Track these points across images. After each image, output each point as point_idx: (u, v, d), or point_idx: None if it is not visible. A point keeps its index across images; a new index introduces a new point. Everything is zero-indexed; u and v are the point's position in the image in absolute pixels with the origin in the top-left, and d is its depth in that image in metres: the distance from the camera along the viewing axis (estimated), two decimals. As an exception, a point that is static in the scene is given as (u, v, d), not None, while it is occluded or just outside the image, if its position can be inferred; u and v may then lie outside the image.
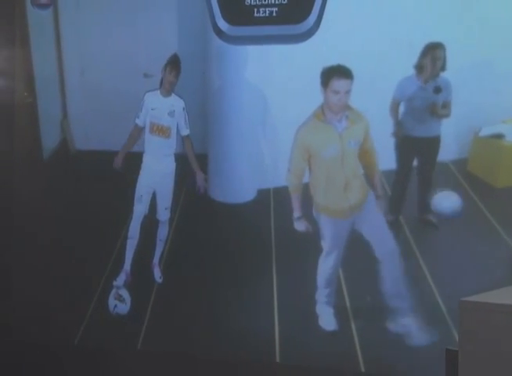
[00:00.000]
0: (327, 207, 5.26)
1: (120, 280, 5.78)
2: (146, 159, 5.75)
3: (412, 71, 4.95)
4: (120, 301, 5.80)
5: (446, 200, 4.98)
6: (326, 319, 5.23)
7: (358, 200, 5.19)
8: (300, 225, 5.29)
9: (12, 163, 6.01)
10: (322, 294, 5.25)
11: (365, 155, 5.12)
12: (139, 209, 5.76)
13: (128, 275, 5.78)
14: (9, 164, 6.00)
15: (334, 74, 5.10)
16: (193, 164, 5.59)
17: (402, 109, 5.02)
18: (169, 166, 5.71)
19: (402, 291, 5.05)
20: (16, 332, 5.91)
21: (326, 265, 5.26)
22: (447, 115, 4.91)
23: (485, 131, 4.83)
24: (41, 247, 5.99)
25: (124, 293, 5.79)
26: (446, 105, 4.92)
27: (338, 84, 5.11)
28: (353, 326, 5.17)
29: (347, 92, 5.10)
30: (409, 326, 5.02)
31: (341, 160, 5.19)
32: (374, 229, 5.20)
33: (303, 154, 5.24)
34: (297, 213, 5.27)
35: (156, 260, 5.69)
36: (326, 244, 5.26)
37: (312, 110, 5.24)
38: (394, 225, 5.10)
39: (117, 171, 5.76)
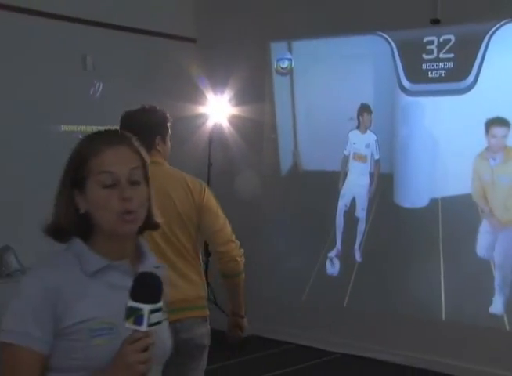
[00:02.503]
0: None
1: (333, 253, 5.72)
2: (349, 176, 5.67)
3: None
4: (332, 267, 5.73)
5: None
6: (479, 289, 5.03)
7: (504, 218, 4.96)
8: (491, 221, 5.04)
9: (261, 178, 6.04)
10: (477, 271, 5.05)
11: None
12: (341, 204, 5.68)
13: (339, 250, 5.69)
14: (259, 179, 6.01)
15: (493, 122, 4.93)
16: (375, 178, 5.53)
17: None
18: (365, 181, 5.62)
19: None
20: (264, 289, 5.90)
21: (479, 254, 5.04)
22: None
23: None
24: (281, 234, 5.94)
25: (336, 262, 5.71)
26: None
27: (496, 130, 4.93)
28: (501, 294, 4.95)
29: (504, 137, 4.90)
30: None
31: (492, 186, 5.00)
32: (502, 244, 4.98)
33: (475, 179, 5.08)
34: (485, 211, 5.05)
35: (356, 246, 5.59)
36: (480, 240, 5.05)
37: (470, 143, 5.05)
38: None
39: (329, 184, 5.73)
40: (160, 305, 1.49)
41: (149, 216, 1.67)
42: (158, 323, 1.49)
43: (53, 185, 5.57)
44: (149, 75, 5.65)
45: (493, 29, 4.91)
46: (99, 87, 5.55)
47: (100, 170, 1.59)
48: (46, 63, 5.23)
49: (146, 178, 1.65)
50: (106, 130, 1.70)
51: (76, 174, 1.61)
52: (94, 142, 1.63)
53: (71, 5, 5.33)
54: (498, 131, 4.93)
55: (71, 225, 1.62)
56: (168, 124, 2.87)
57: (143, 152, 1.67)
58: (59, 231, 1.64)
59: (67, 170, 1.64)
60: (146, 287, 1.49)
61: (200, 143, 5.91)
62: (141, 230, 1.68)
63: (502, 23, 4.88)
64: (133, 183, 1.60)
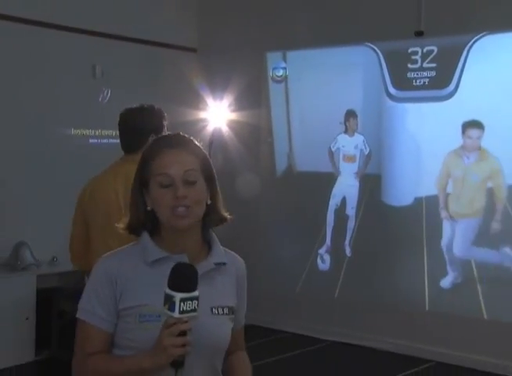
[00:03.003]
0: (454, 210, 5.09)
1: (323, 249, 5.74)
2: (340, 177, 5.69)
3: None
4: (323, 262, 5.75)
5: None
6: (458, 281, 5.12)
7: (469, 211, 5.00)
8: (442, 213, 5.15)
9: (258, 179, 5.99)
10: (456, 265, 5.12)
11: (495, 188, 4.96)
12: (332, 203, 5.69)
13: (329, 247, 5.71)
14: (256, 180, 5.97)
15: (469, 125, 4.99)
16: (361, 171, 5.56)
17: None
18: (354, 180, 5.62)
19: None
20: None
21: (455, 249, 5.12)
22: None
23: None
24: (277, 231, 5.94)
25: (326, 257, 5.74)
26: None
27: (471, 132, 5.00)
28: (478, 286, 5.01)
29: (478, 138, 4.96)
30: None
31: (462, 181, 5.06)
32: (461, 237, 5.05)
33: (444, 172, 5.16)
34: (441, 205, 5.15)
35: (346, 242, 5.62)
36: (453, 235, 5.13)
37: (451, 146, 5.09)
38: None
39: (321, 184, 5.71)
40: (194, 294, 1.50)
41: (213, 212, 1.70)
42: (192, 311, 1.50)
43: (65, 184, 5.65)
44: (153, 82, 5.70)
45: (472, 41, 4.97)
46: (107, 93, 5.60)
47: (158, 172, 1.64)
48: (59, 71, 5.29)
49: (208, 178, 1.68)
50: (168, 134, 1.75)
51: (142, 175, 1.67)
52: (155, 146, 1.69)
53: (81, 18, 5.40)
54: (473, 132, 4.99)
55: (140, 220, 1.68)
56: (165, 123, 2.85)
57: (203, 154, 1.70)
58: (131, 226, 1.70)
59: (137, 171, 1.70)
60: (179, 277, 1.51)
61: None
62: (207, 226, 1.71)
63: (480, 35, 4.95)
64: (188, 183, 1.63)
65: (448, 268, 5.13)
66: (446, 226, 5.16)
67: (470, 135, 5.01)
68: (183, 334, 1.51)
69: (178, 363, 1.53)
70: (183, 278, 1.52)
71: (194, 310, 1.51)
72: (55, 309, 4.96)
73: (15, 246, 5.00)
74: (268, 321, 5.72)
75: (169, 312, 1.50)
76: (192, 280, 1.52)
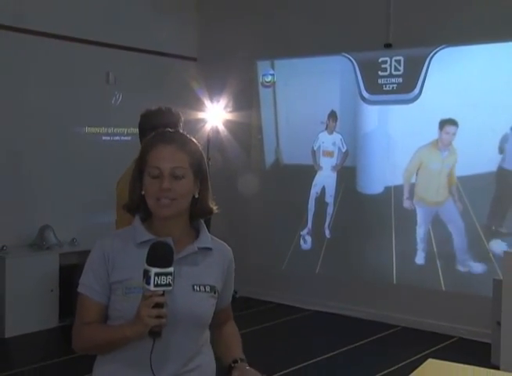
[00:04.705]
0: (423, 198, 5.23)
1: (305, 231, 5.84)
2: (320, 170, 5.78)
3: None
4: (304, 243, 5.84)
5: None
6: (421, 258, 5.24)
7: (443, 198, 5.12)
8: (407, 203, 5.28)
9: (249, 171, 6.09)
10: (419, 245, 5.24)
11: (452, 175, 5.10)
12: (313, 192, 5.77)
13: (310, 229, 5.81)
14: (247, 172, 6.06)
15: (447, 122, 5.06)
16: (338, 165, 5.62)
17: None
18: (332, 172, 5.70)
19: (464, 246, 5.05)
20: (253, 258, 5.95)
21: (420, 231, 5.26)
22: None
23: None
24: (266, 216, 6.03)
25: (308, 238, 5.83)
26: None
27: (449, 128, 5.07)
28: (438, 262, 5.15)
29: (454, 134, 5.06)
30: (469, 266, 5.01)
31: (439, 173, 5.15)
32: (450, 215, 5.12)
33: (417, 164, 5.24)
34: (406, 195, 5.28)
35: (326, 225, 5.71)
36: (419, 219, 5.25)
37: (417, 142, 5.16)
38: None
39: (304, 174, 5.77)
40: (169, 270, 1.49)
41: (201, 204, 1.68)
42: (167, 285, 1.49)
43: (82, 175, 5.79)
44: (158, 87, 5.73)
45: (433, 52, 5.11)
46: (119, 97, 5.66)
47: (151, 164, 1.64)
48: (78, 77, 5.39)
49: (198, 173, 1.66)
50: (165, 130, 1.70)
51: (141, 163, 1.67)
52: (152, 140, 1.67)
53: (97, 32, 5.51)
54: (450, 128, 5.07)
55: (135, 202, 1.69)
56: (180, 124, 2.81)
57: (195, 151, 1.67)
58: (127, 206, 1.71)
59: (137, 159, 1.69)
60: (156, 254, 1.51)
61: (199, 143, 6.00)
62: (194, 216, 1.69)
63: (440, 47, 5.11)
64: (175, 177, 1.62)
65: (416, 248, 5.24)
66: (420, 213, 5.22)
67: (448, 131, 5.07)
68: (160, 306, 1.51)
69: (155, 333, 1.53)
70: (159, 255, 1.51)
71: (168, 285, 1.50)
72: (75, 283, 4.93)
73: (40, 229, 5.12)
74: (259, 293, 5.84)
75: (146, 286, 1.50)
76: (167, 257, 1.51)
